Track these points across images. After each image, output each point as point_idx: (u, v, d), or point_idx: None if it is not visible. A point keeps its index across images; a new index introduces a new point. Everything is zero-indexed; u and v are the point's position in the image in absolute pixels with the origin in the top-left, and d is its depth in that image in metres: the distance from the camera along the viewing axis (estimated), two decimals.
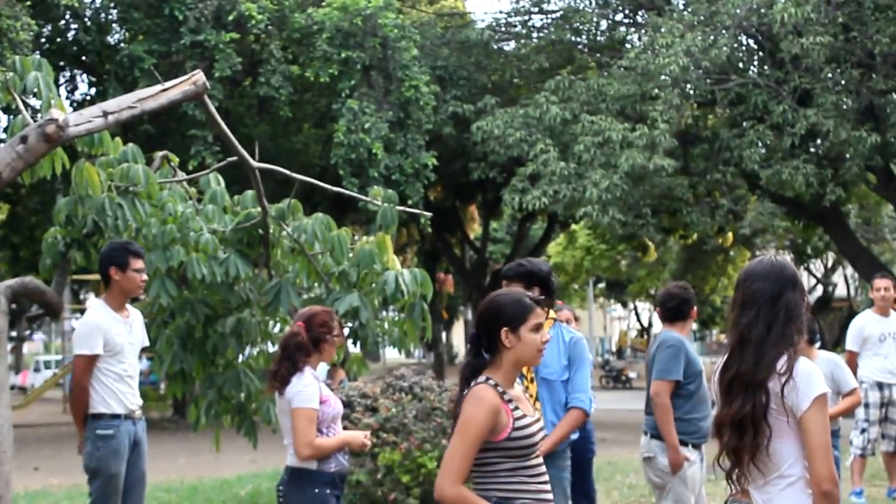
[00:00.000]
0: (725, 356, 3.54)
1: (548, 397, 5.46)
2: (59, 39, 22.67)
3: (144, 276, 6.44)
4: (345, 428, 5.59)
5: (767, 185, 18.28)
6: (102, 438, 6.22)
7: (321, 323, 5.33)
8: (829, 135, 17.25)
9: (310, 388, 5.16)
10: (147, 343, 6.80)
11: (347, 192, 10.92)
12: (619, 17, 22.77)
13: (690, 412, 6.20)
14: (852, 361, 9.06)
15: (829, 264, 38.07)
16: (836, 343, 28.68)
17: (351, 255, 7.14)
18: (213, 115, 6.35)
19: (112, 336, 6.22)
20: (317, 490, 5.14)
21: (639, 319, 62.14)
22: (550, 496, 3.85)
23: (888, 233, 31.12)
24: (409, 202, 19.75)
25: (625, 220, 18.43)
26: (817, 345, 7.38)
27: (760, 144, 18.03)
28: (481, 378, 3.77)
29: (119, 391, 6.27)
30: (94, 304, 6.57)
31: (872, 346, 9.30)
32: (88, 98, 24.27)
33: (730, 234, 27.35)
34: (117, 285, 6.31)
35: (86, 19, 22.15)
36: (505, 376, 3.80)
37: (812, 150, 18.91)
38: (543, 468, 3.85)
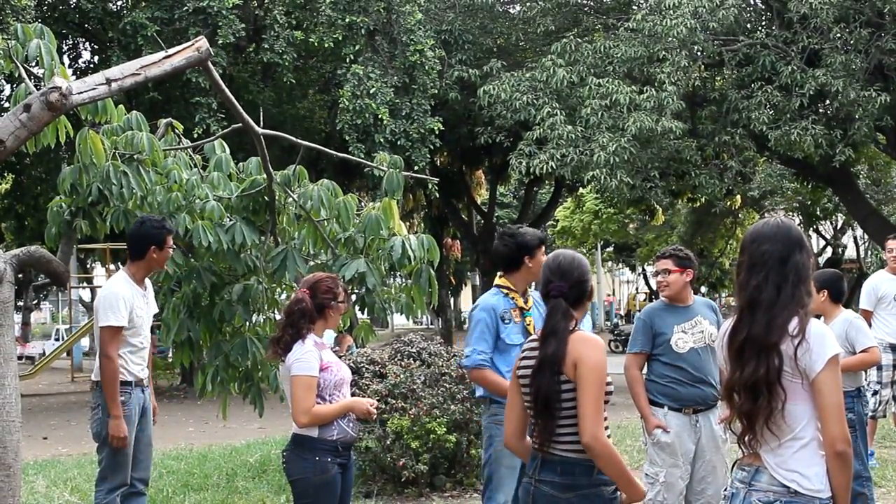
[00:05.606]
0: (733, 320, 3.51)
1: None
2: (61, 7, 22.60)
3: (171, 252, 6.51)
4: (353, 395, 5.55)
5: (776, 147, 18.16)
6: None
7: (325, 290, 5.30)
8: (837, 95, 17.12)
9: (308, 354, 5.13)
10: (156, 310, 6.81)
11: (353, 157, 10.89)
12: None
13: (665, 375, 6.17)
14: (867, 321, 9.04)
15: (839, 226, 37.94)
16: (846, 304, 28.59)
17: (357, 221, 7.10)
18: (217, 82, 6.28)
19: (135, 310, 6.28)
20: (317, 458, 5.11)
21: (647, 283, 62.00)
22: None
23: None
24: (416, 167, 19.69)
25: (633, 183, 18.34)
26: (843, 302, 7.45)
27: (769, 106, 17.88)
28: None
29: (132, 361, 6.33)
30: (118, 276, 6.59)
31: (887, 305, 9.37)
32: (91, 66, 24.24)
33: (738, 197, 27.21)
34: (151, 262, 6.37)
35: None
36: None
37: (821, 110, 18.75)
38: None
